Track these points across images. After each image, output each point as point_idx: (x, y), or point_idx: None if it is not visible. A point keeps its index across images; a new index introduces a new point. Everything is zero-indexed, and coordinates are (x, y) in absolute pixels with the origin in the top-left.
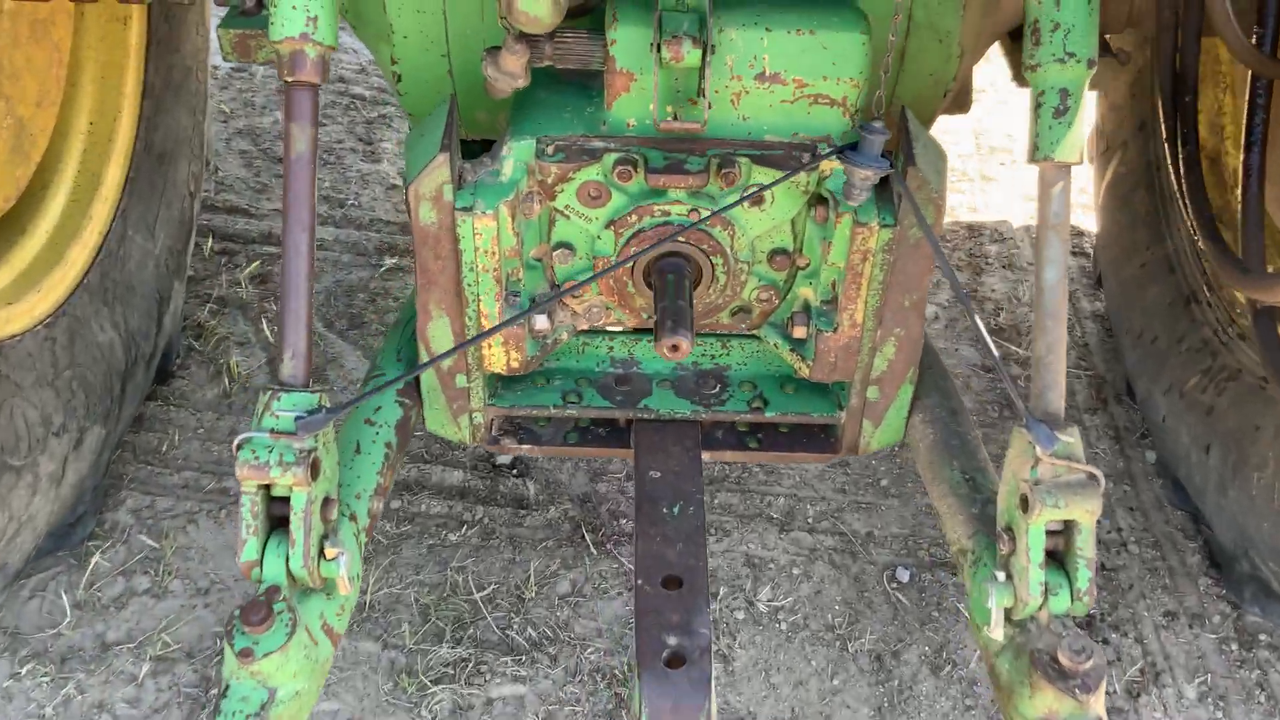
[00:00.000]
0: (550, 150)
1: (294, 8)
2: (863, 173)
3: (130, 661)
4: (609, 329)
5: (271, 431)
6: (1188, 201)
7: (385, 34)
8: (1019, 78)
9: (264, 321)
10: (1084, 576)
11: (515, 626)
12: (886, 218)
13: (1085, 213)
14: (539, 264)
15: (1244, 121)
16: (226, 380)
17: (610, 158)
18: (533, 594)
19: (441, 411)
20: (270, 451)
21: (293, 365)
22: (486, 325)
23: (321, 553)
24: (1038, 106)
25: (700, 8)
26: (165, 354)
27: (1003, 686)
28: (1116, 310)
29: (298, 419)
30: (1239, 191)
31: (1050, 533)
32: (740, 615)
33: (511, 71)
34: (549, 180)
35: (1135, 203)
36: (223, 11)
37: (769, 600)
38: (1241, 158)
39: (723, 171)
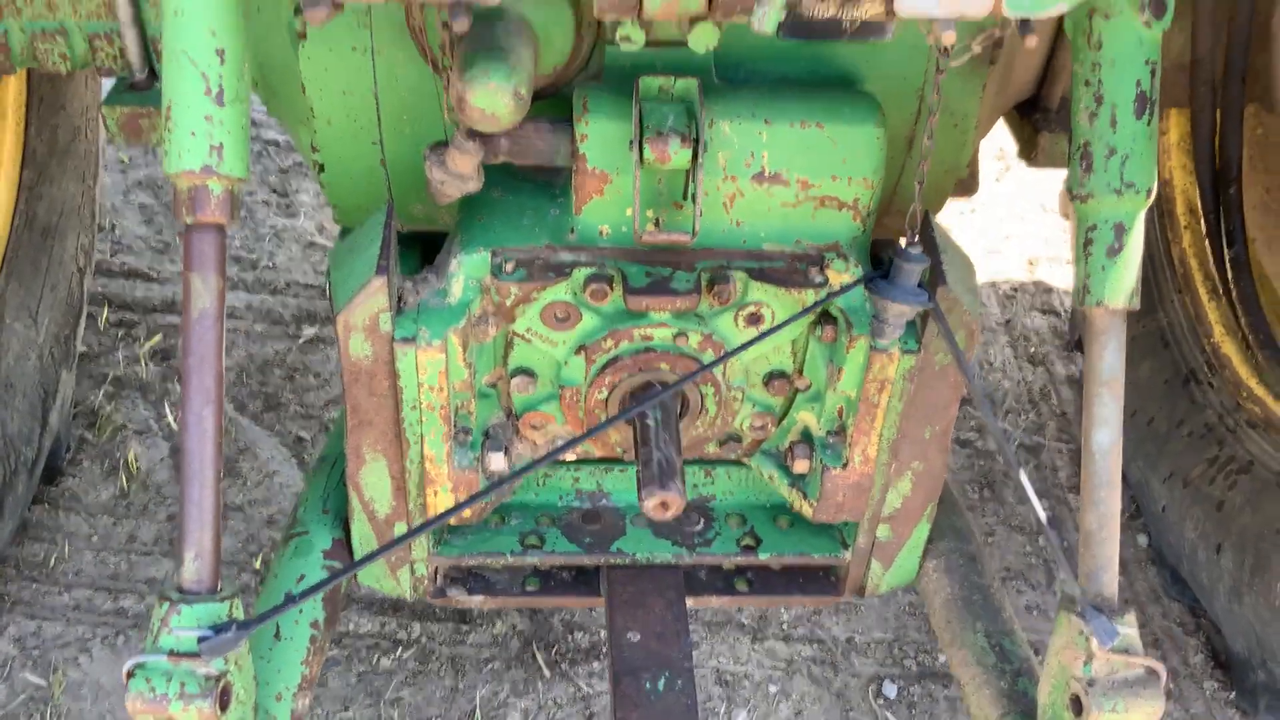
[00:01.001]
0: (509, 267)
1: (193, 134)
2: (898, 308)
3: None
4: (574, 458)
5: (170, 654)
6: (1240, 312)
7: (305, 117)
8: (1027, 155)
9: (166, 405)
10: None
11: None
12: (910, 342)
13: (1054, 265)
14: (493, 391)
15: None
16: (124, 477)
17: (581, 274)
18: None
19: (377, 564)
20: (169, 680)
21: (196, 568)
22: (431, 469)
23: None
24: (1087, 243)
25: (688, 96)
26: (52, 452)
27: None
28: None
29: (202, 639)
30: None
31: None
32: None
33: (462, 174)
34: (507, 301)
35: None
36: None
37: None
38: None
39: (715, 288)
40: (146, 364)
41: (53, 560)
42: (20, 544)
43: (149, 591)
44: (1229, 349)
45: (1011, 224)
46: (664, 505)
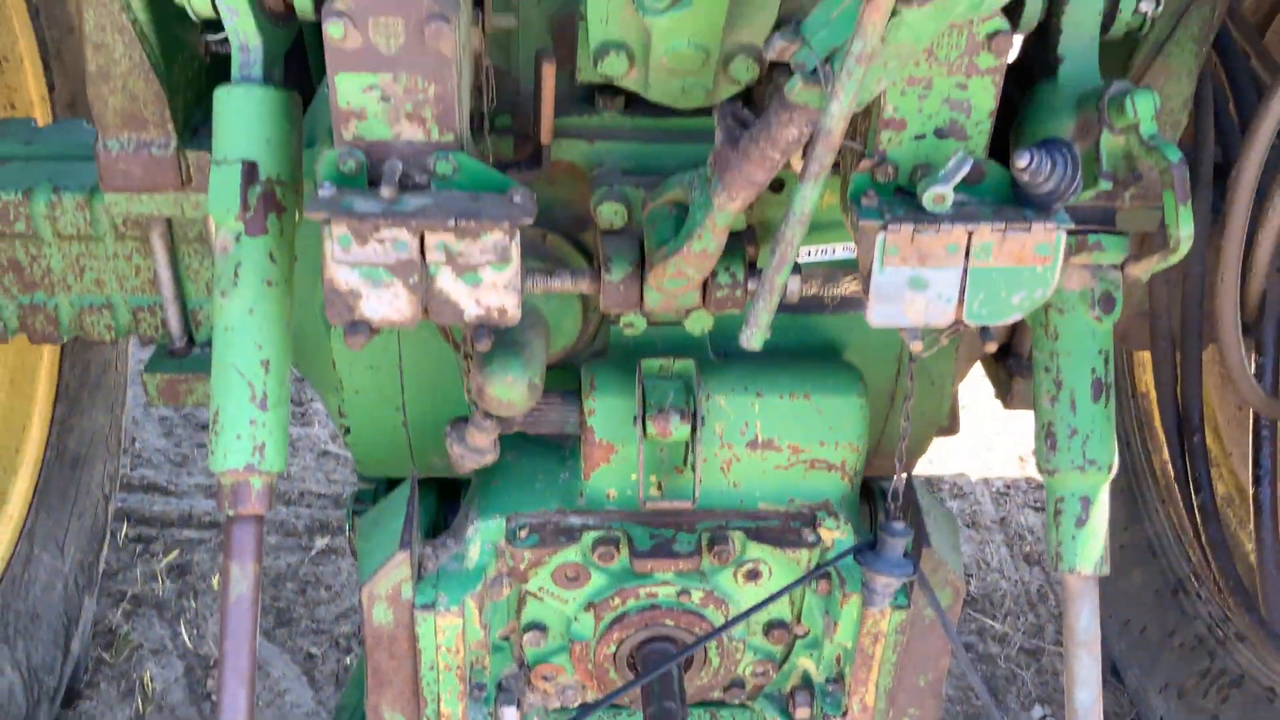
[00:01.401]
0: (523, 533)
1: (238, 437)
2: (884, 579)
3: None
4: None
5: None
6: (1210, 560)
7: (334, 386)
8: (1003, 399)
9: (182, 624)
10: None
11: None
12: (899, 598)
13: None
14: (505, 644)
15: (1250, 454)
16: (140, 700)
17: (589, 537)
18: None
19: None
20: None
21: None
22: None
23: None
24: (1057, 514)
25: (686, 374)
26: (71, 675)
27: None
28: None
29: None
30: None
31: None
32: None
33: (480, 448)
34: (520, 565)
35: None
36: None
37: None
38: (1251, 492)
39: (715, 548)
40: (164, 580)
41: None
42: None
43: None
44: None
45: (1002, 420)
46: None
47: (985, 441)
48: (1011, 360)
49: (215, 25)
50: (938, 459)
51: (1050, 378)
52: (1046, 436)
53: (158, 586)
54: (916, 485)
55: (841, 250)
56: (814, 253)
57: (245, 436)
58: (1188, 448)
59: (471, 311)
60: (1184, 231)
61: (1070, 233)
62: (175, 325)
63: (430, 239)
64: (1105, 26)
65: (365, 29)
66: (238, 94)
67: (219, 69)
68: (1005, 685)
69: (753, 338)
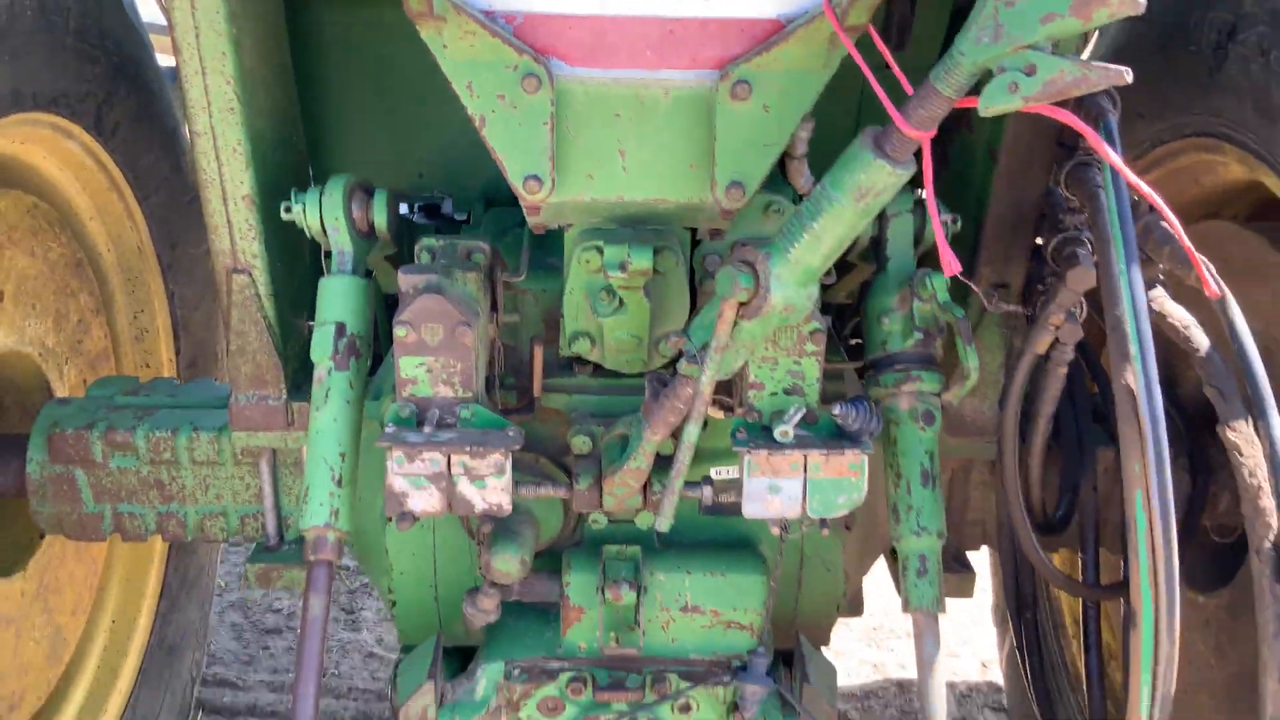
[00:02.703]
0: (516, 673)
1: (321, 504)
2: (751, 688)
3: None
4: None
5: None
6: (1034, 695)
7: (386, 571)
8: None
9: None
10: None
11: None
12: None
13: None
14: None
15: (1082, 625)
16: None
17: (565, 676)
18: None
19: None
20: None
21: None
22: None
23: None
24: (904, 569)
25: (635, 557)
26: None
27: None
28: None
29: None
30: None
31: None
32: None
33: (486, 610)
34: (514, 697)
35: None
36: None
37: None
38: (1083, 660)
39: (656, 686)
40: None
41: None
42: None
43: None
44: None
45: (969, 630)
46: None
47: (953, 649)
48: None
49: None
50: (908, 663)
51: (893, 473)
52: (893, 513)
53: None
54: (803, 641)
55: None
56: (729, 471)
57: (325, 504)
58: (1023, 622)
59: (479, 505)
60: (972, 364)
61: (899, 370)
62: (272, 528)
63: (455, 459)
64: (916, 240)
65: (419, 330)
66: (335, 280)
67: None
68: None
69: (662, 523)
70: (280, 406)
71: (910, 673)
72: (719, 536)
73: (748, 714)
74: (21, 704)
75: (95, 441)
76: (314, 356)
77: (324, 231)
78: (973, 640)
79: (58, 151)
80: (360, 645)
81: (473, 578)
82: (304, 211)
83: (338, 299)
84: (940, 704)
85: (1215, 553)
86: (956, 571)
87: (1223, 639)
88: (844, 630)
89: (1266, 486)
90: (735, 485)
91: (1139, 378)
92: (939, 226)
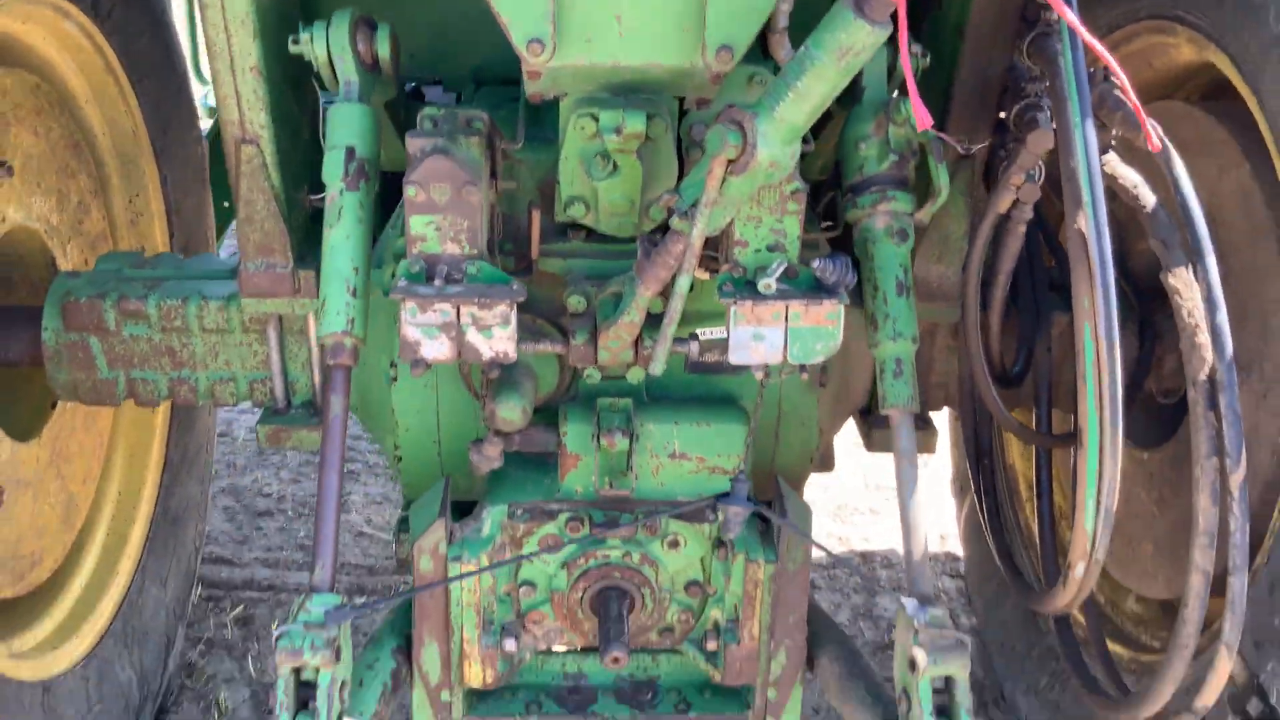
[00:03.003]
0: (519, 513)
1: (338, 313)
2: (734, 510)
3: None
4: (562, 649)
5: (305, 625)
6: (992, 539)
7: (392, 428)
8: (866, 444)
9: (249, 660)
10: None
11: None
12: (770, 556)
13: (956, 540)
14: (508, 598)
15: (1034, 476)
16: (216, 715)
17: (564, 516)
18: None
19: None
20: (304, 640)
21: (322, 573)
22: (467, 649)
23: None
24: (881, 372)
25: (627, 408)
26: (165, 692)
27: None
28: (983, 625)
29: (327, 613)
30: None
31: (936, 691)
32: None
33: (491, 457)
34: (517, 534)
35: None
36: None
37: None
38: (1035, 505)
39: (647, 524)
40: (232, 628)
41: None
42: None
43: None
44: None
45: (926, 509)
46: (615, 659)
47: None
48: (871, 417)
49: (315, 188)
50: (874, 538)
51: (871, 284)
52: (871, 323)
53: (227, 633)
54: (781, 482)
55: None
56: (713, 332)
57: (342, 313)
58: (980, 469)
59: (487, 354)
60: (942, 181)
61: (874, 191)
62: (280, 392)
63: (463, 310)
64: (890, 72)
65: (428, 189)
66: (343, 107)
67: (315, 217)
68: None
69: (656, 367)
70: (287, 274)
71: (872, 545)
72: (703, 394)
73: (730, 534)
74: (41, 563)
75: (108, 310)
76: (325, 179)
77: (330, 64)
78: (934, 519)
79: (56, 33)
80: (351, 525)
81: (474, 432)
82: (311, 42)
83: (346, 124)
84: (916, 490)
85: (1158, 412)
86: (920, 429)
87: (1165, 491)
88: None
89: (1203, 324)
90: (719, 344)
91: (1090, 221)
92: (910, 69)
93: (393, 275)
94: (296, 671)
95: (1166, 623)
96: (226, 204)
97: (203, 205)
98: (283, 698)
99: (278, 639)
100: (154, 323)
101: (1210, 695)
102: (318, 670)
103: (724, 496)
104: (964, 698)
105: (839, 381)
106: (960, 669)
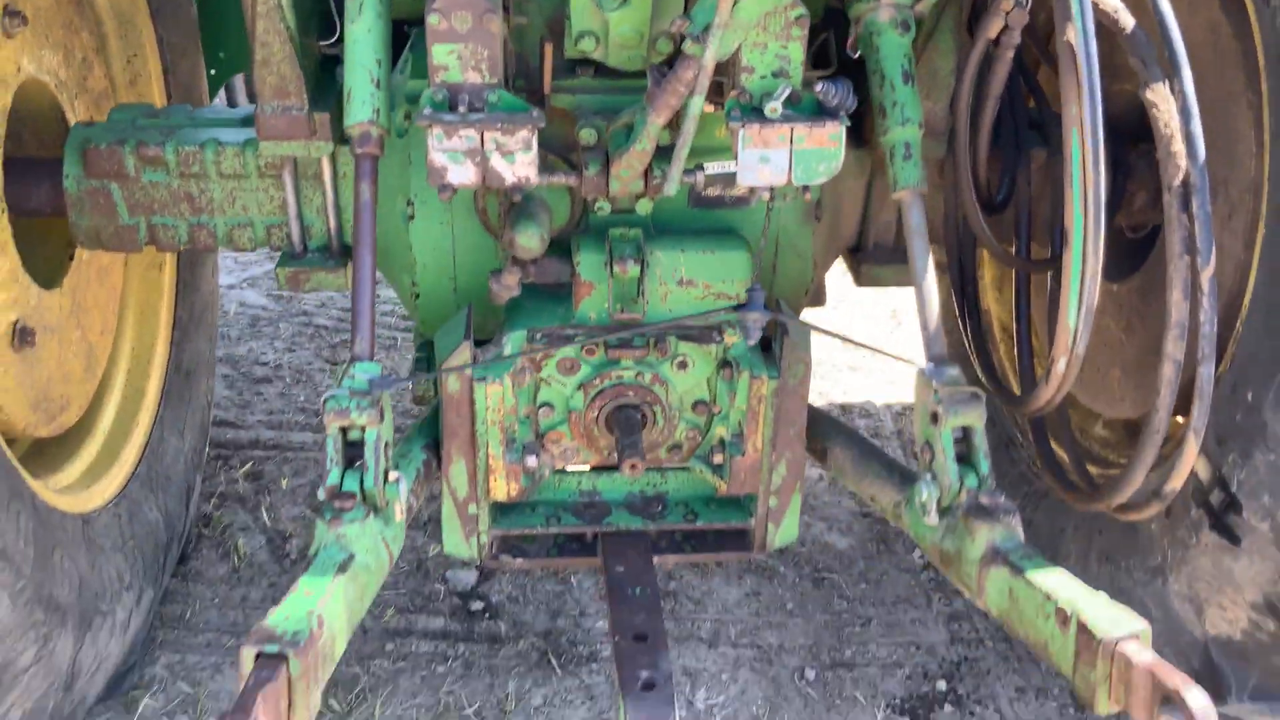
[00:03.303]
0: (538, 337)
1: (363, 103)
2: (752, 315)
3: None
4: (579, 467)
5: (350, 391)
6: (976, 358)
7: (409, 266)
8: (856, 279)
9: (262, 510)
10: (984, 465)
11: None
12: (773, 373)
13: None
14: (528, 419)
15: (1014, 296)
16: (235, 559)
17: (579, 340)
18: (512, 707)
19: (457, 535)
20: (349, 401)
21: (362, 345)
22: (494, 465)
23: (385, 479)
24: (891, 156)
25: (638, 238)
26: (186, 540)
27: (949, 559)
28: None
29: (370, 380)
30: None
31: (955, 441)
32: (682, 713)
33: (509, 285)
34: (536, 357)
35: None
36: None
37: (705, 699)
38: (1015, 328)
39: (658, 346)
40: (243, 482)
41: (188, 615)
42: (163, 604)
43: None
44: (1024, 424)
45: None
46: (633, 466)
47: (889, 379)
48: (859, 253)
49: (325, 31)
50: (852, 390)
51: (877, 76)
52: (880, 112)
53: (239, 487)
54: (783, 305)
55: (734, 166)
56: (717, 167)
57: (367, 103)
58: (966, 295)
59: (510, 178)
60: None
61: None
62: (296, 237)
63: (487, 136)
64: None
65: (450, 18)
66: None
67: (325, 64)
68: (894, 537)
69: (670, 186)
70: (303, 117)
71: (850, 398)
72: (708, 224)
73: (751, 340)
74: (68, 408)
75: (128, 156)
76: None
77: None
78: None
79: None
80: None
81: (488, 267)
82: None
83: None
84: (929, 269)
85: (1128, 246)
86: (904, 263)
87: (1133, 319)
88: None
89: (1178, 133)
90: (724, 178)
91: (1079, 33)
92: None
93: (405, 117)
94: (344, 431)
95: (1133, 442)
96: (223, 54)
97: (196, 67)
98: (333, 454)
99: (326, 401)
100: (172, 169)
101: (1178, 479)
102: (363, 430)
103: (742, 307)
104: (981, 443)
105: (831, 217)
106: (977, 419)
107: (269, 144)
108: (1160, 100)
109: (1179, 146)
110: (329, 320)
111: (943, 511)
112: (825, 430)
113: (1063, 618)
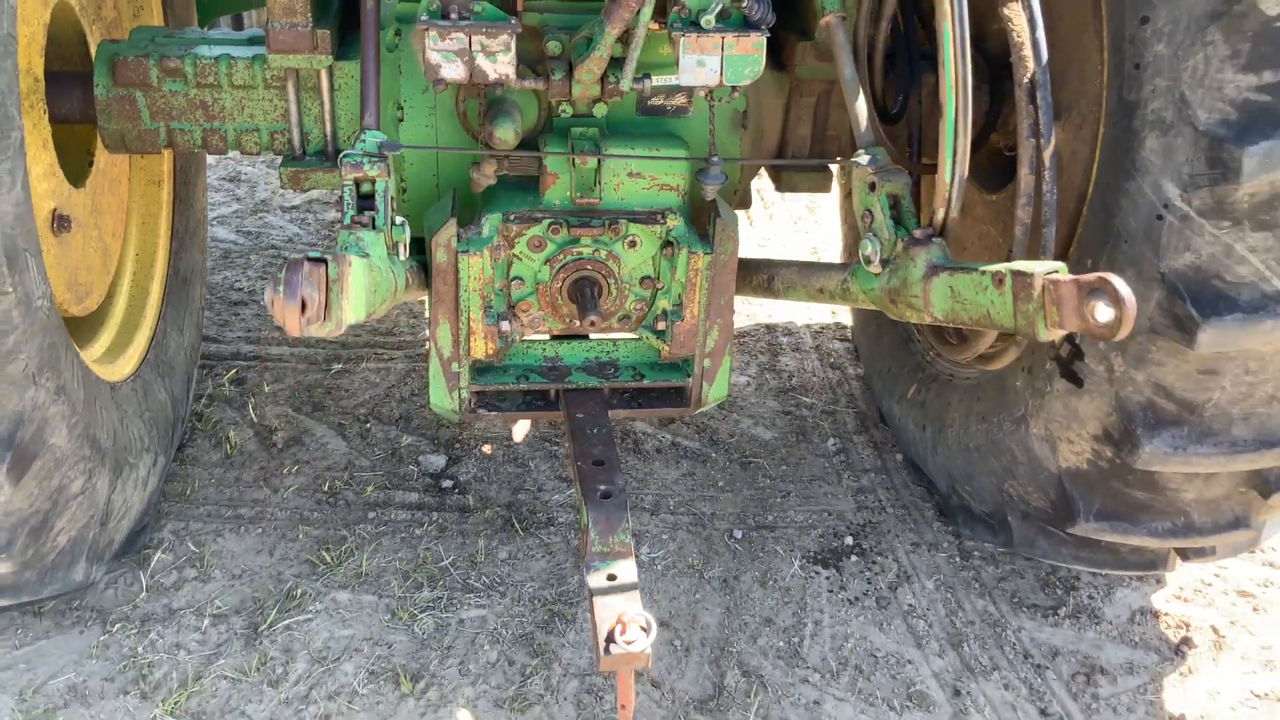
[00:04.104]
0: (511, 218)
1: None
2: (711, 184)
3: (194, 618)
4: (542, 336)
5: (363, 151)
6: None
7: (398, 164)
8: (778, 186)
9: (249, 409)
10: (911, 221)
11: (473, 578)
12: (706, 249)
13: (846, 314)
14: (502, 291)
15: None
16: (227, 447)
17: (546, 221)
18: (482, 559)
19: (441, 389)
20: (364, 158)
21: (369, 117)
22: (474, 327)
23: (392, 223)
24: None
25: (594, 136)
26: (185, 421)
27: (895, 295)
28: (867, 361)
29: (379, 143)
30: None
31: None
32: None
33: (487, 175)
34: (510, 236)
35: None
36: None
37: (648, 554)
38: None
39: (612, 226)
40: (229, 387)
41: (188, 491)
42: (166, 483)
43: (255, 505)
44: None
45: None
46: (593, 323)
47: (809, 306)
48: (780, 167)
49: None
50: (776, 312)
51: None
52: None
53: (225, 390)
54: (717, 197)
55: (675, 80)
56: (662, 80)
57: None
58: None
59: (492, 75)
60: None
61: None
62: (297, 142)
63: (474, 39)
64: None
65: None
66: None
67: None
68: (812, 429)
69: (624, 83)
70: (308, 32)
71: (775, 319)
72: (653, 129)
73: (710, 195)
74: (90, 295)
75: (152, 67)
76: None
77: None
78: None
79: None
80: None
81: (465, 162)
82: None
83: None
84: (855, 75)
85: (1002, 162)
86: (819, 172)
87: (1007, 223)
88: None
89: (1027, 40)
90: (666, 89)
91: None
92: None
93: (395, 34)
94: (357, 183)
95: None
96: None
97: (189, 5)
98: (348, 200)
99: (342, 159)
100: (190, 79)
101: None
102: (373, 182)
103: (701, 172)
104: (909, 205)
105: (755, 129)
106: (904, 188)
107: (277, 56)
108: (1015, 15)
109: (1027, 51)
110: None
111: (884, 262)
112: (763, 266)
113: (998, 278)
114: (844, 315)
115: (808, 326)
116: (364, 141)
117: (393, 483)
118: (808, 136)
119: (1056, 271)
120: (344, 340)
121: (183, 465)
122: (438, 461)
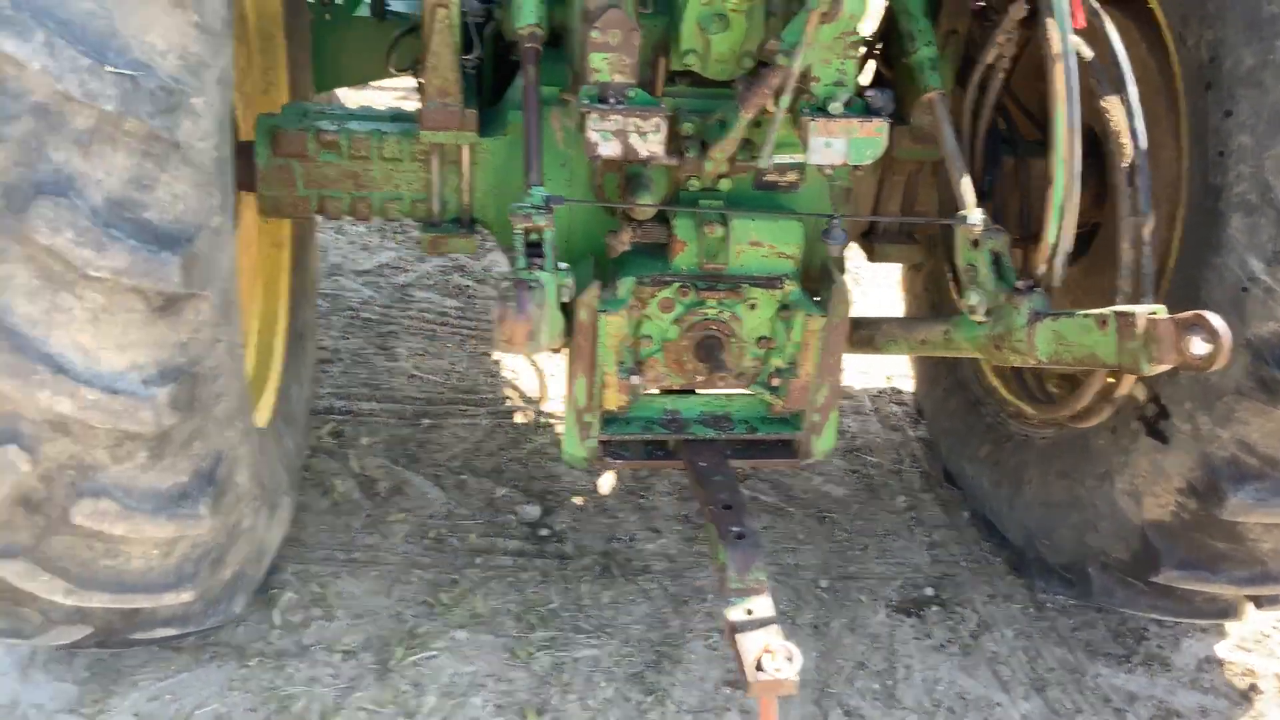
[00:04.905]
0: (645, 281)
1: (531, 10)
2: (834, 245)
3: (325, 654)
4: (667, 389)
5: (531, 204)
6: None
7: None
8: (870, 257)
9: (349, 460)
10: (1012, 276)
11: (581, 620)
12: (821, 311)
13: (908, 378)
14: (632, 348)
15: None
16: (335, 495)
17: (676, 284)
18: (587, 602)
19: (574, 438)
20: (531, 210)
21: (534, 174)
22: (609, 380)
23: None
24: (921, 70)
25: (721, 208)
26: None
27: (1000, 341)
28: (932, 423)
29: (545, 196)
30: None
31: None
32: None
33: (623, 241)
34: (643, 297)
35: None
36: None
37: None
38: None
39: (735, 290)
40: (327, 439)
41: (303, 535)
42: None
43: (368, 550)
44: (996, 383)
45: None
46: (720, 378)
47: (862, 369)
48: (870, 236)
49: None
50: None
51: (904, 16)
52: (907, 38)
53: (325, 443)
54: (830, 264)
55: (801, 159)
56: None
57: (534, 11)
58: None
59: (644, 152)
60: None
61: None
62: (436, 208)
63: (628, 121)
64: None
65: (605, 34)
66: None
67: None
68: (880, 487)
69: (763, 160)
70: (458, 111)
71: None
72: (768, 204)
73: (833, 252)
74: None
75: (310, 140)
76: None
77: None
78: (881, 366)
79: None
80: (401, 370)
81: (598, 230)
82: None
83: None
84: (952, 141)
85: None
86: (905, 244)
87: (1079, 295)
88: None
89: (1124, 128)
90: (790, 167)
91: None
92: None
93: None
94: (526, 232)
95: (1083, 374)
96: (323, 73)
97: (308, 80)
98: (519, 247)
99: (512, 210)
100: (344, 151)
101: (1125, 386)
102: (541, 230)
103: (826, 233)
104: (1008, 262)
105: (853, 203)
106: (1004, 245)
107: (428, 133)
108: (1112, 106)
109: (1126, 139)
110: (373, 315)
111: (988, 312)
112: (864, 324)
113: (1101, 321)
114: (899, 381)
115: (865, 391)
116: (531, 195)
117: (493, 530)
118: (897, 211)
119: (1155, 312)
120: (428, 396)
121: (295, 512)
122: (533, 511)
